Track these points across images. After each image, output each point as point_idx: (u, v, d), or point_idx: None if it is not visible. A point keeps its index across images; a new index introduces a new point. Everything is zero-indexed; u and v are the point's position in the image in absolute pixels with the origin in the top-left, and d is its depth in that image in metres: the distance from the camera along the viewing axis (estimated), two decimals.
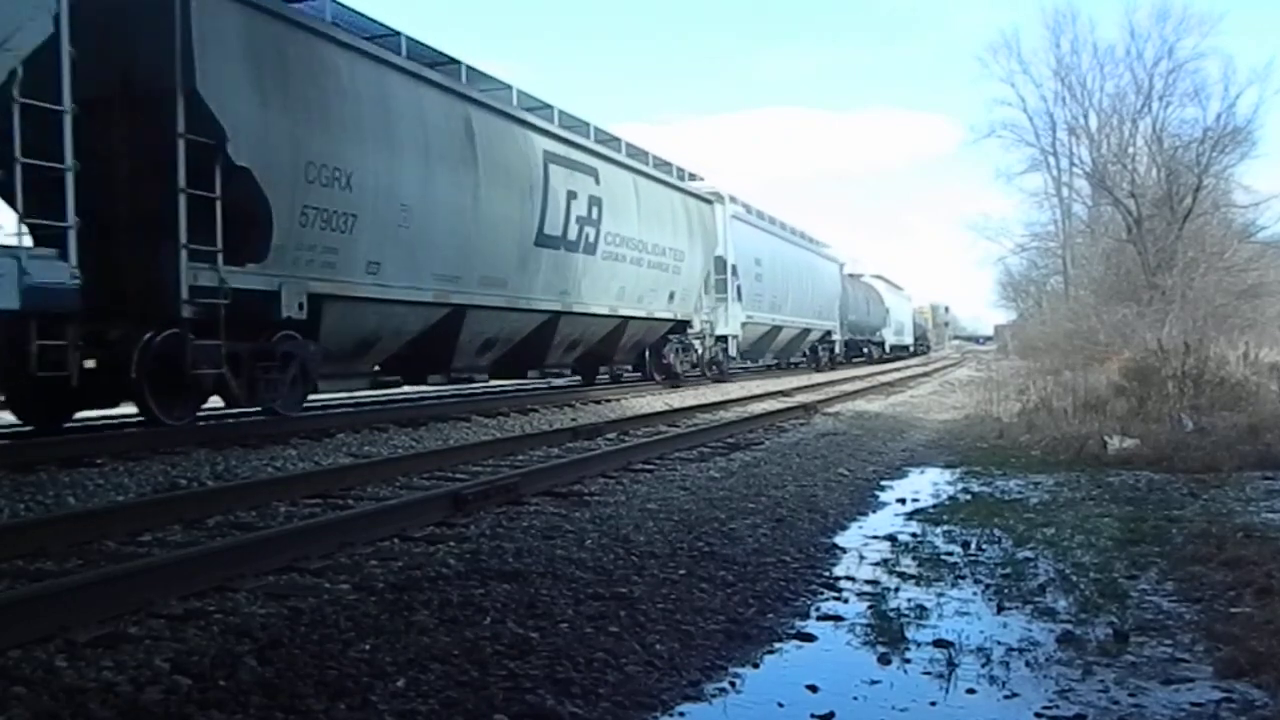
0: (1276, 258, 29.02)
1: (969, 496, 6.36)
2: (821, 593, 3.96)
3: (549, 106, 13.50)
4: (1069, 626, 3.42)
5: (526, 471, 6.41)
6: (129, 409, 10.10)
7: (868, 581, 4.13)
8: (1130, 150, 31.75)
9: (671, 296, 16.92)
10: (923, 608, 3.71)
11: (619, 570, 4.10)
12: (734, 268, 21.41)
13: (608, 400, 13.88)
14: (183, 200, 7.59)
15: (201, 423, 9.40)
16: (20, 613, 3.06)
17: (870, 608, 3.73)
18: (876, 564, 4.47)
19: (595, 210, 13.85)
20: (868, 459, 8.33)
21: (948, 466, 7.93)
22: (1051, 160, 37.78)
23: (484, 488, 5.61)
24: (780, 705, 2.79)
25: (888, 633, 3.41)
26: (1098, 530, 5.05)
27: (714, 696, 2.85)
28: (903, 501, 6.24)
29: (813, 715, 2.69)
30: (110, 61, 7.53)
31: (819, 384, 20.17)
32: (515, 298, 11.99)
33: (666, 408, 12.96)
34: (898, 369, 31.76)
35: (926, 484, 7.08)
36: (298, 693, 2.66)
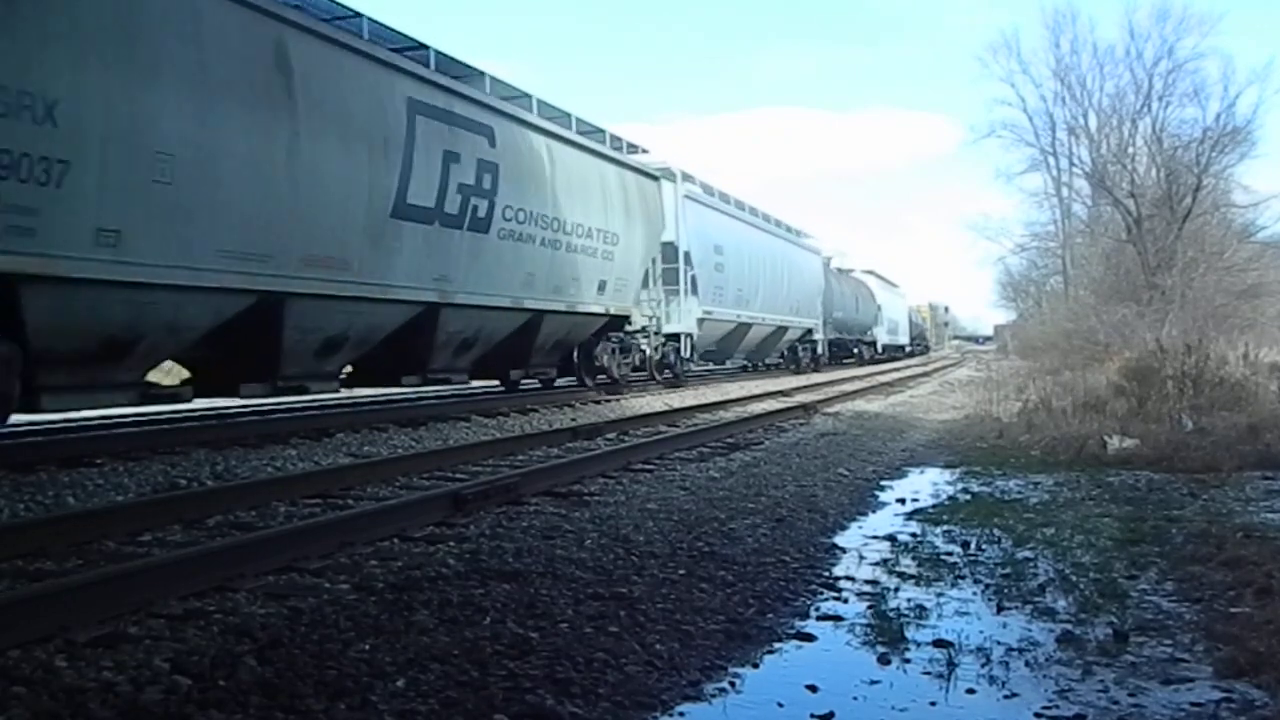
0: (1276, 258, 29.04)
1: (969, 496, 6.36)
2: (821, 593, 3.96)
3: (423, 47, 10.58)
4: (1069, 626, 3.42)
5: (526, 471, 6.41)
6: (128, 409, 10.12)
7: (867, 581, 4.13)
8: (1130, 150, 31.78)
9: (602, 287, 14.05)
10: (922, 608, 3.71)
11: (619, 570, 4.10)
12: (687, 255, 18.61)
13: (607, 400, 13.88)
14: None
15: (201, 422, 9.42)
16: (20, 613, 3.06)
17: (870, 608, 3.73)
18: (876, 564, 4.47)
19: (489, 178, 10.95)
20: (867, 459, 8.33)
21: (947, 466, 7.93)
22: (1051, 160, 37.81)
23: (484, 488, 5.61)
24: (780, 705, 2.79)
25: (887, 633, 3.41)
26: (1097, 530, 5.05)
27: (714, 696, 2.85)
28: (902, 501, 6.24)
29: (812, 715, 2.69)
30: None
31: (818, 384, 20.16)
32: (365, 284, 9.14)
33: (666, 408, 12.96)
34: (897, 369, 31.74)
35: (926, 484, 7.08)
36: (297, 693, 2.66)
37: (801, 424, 11.39)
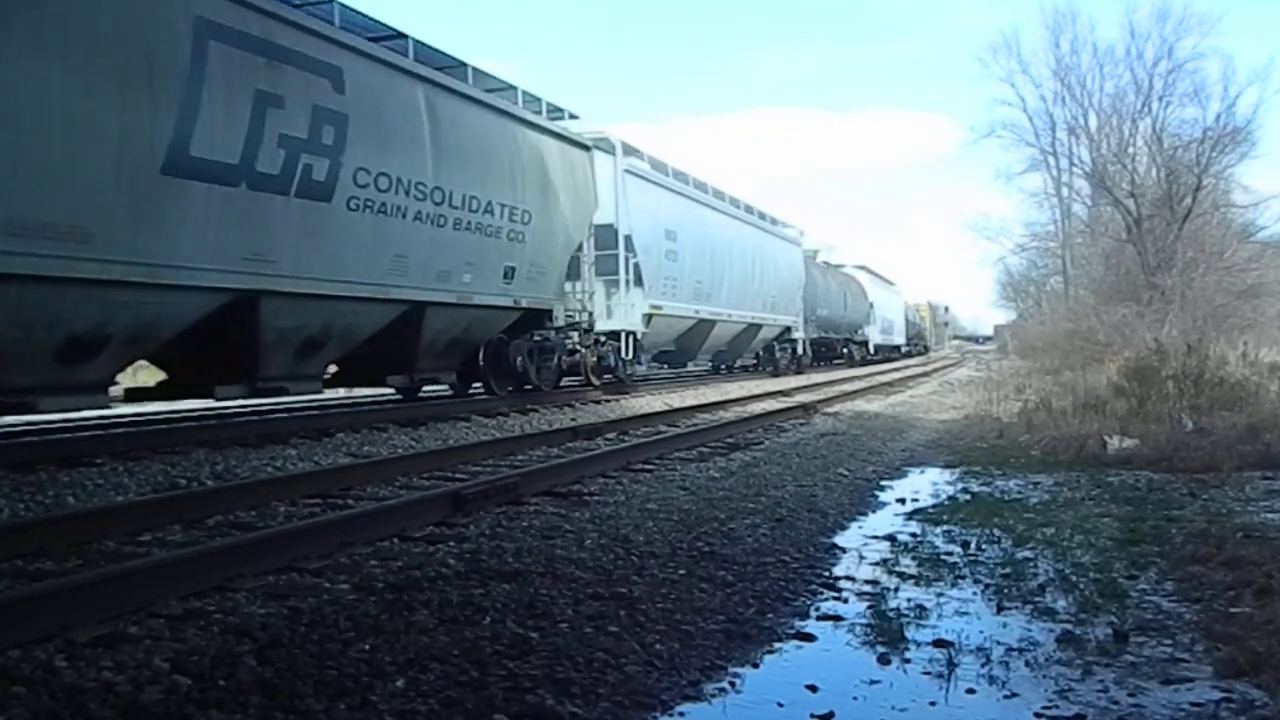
0: (1276, 258, 29.01)
1: (969, 496, 6.36)
2: (821, 593, 3.96)
3: None
4: (1068, 626, 3.42)
5: (526, 471, 6.41)
6: (128, 409, 10.14)
7: (867, 581, 4.13)
8: (1130, 150, 31.75)
9: (510, 275, 11.63)
10: (922, 608, 3.71)
11: (619, 570, 4.10)
12: (629, 240, 15.71)
13: (607, 400, 13.88)
14: None
15: (201, 422, 9.42)
16: (20, 613, 3.06)
17: (870, 608, 3.73)
18: (876, 564, 4.47)
19: (332, 132, 8.63)
20: (867, 459, 8.33)
21: (947, 466, 7.93)
22: (1051, 160, 37.77)
23: (484, 488, 5.61)
24: (780, 705, 2.79)
25: (887, 633, 3.41)
26: (1097, 530, 5.05)
27: (714, 696, 2.85)
28: (902, 501, 6.24)
29: (812, 715, 2.69)
30: None
31: (818, 384, 20.16)
32: (124, 264, 6.89)
33: (666, 408, 12.96)
34: (896, 369, 31.73)
35: (926, 484, 7.08)
36: (297, 692, 2.66)
37: (801, 424, 11.39)
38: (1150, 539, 4.81)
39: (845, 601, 3.84)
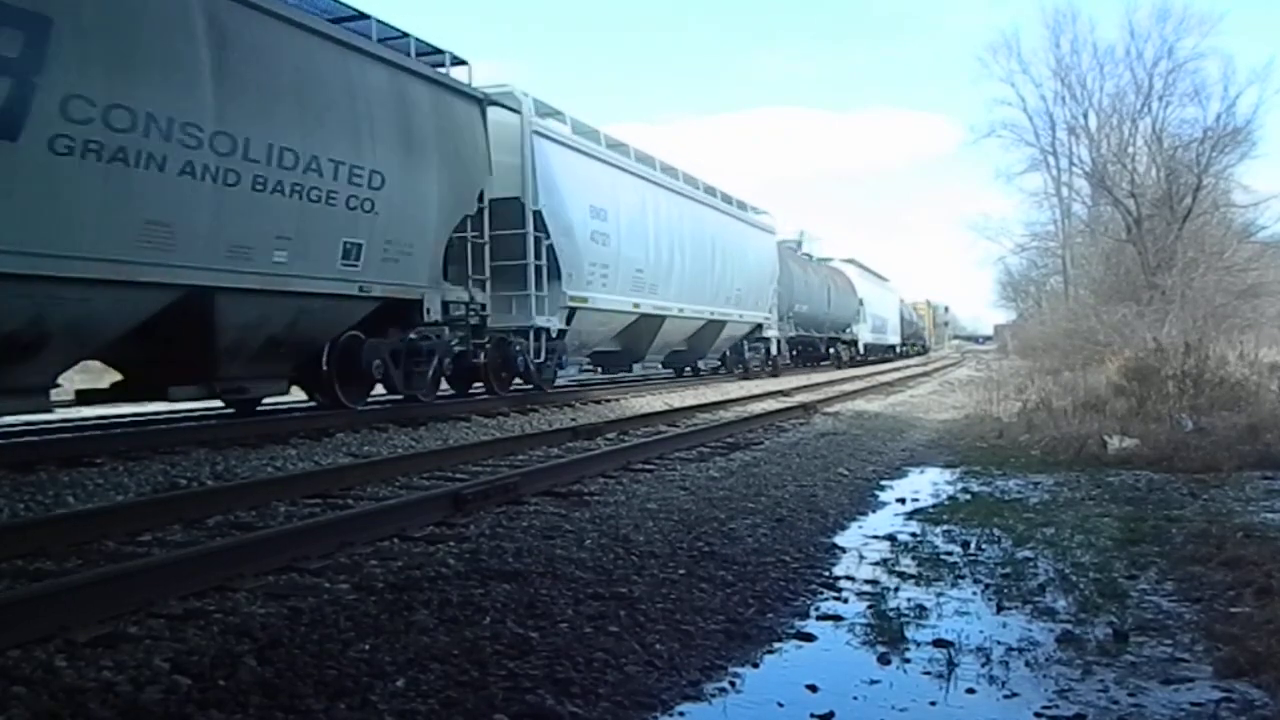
0: (1276, 257, 29.02)
1: (969, 496, 6.36)
2: (821, 592, 3.96)
3: None
4: (1068, 626, 3.43)
5: (526, 471, 6.41)
6: (129, 408, 10.14)
7: (867, 581, 4.13)
8: (1130, 150, 31.75)
9: (353, 254, 9.01)
10: (922, 607, 3.71)
11: (619, 570, 4.10)
12: (539, 217, 12.60)
13: (608, 400, 13.87)
14: None
15: (201, 422, 9.41)
16: (20, 613, 3.06)
17: (870, 607, 3.73)
18: (876, 564, 4.47)
19: (19, 41, 6.03)
20: (867, 459, 8.33)
21: (947, 466, 7.93)
22: (1051, 160, 37.75)
23: (484, 487, 5.61)
24: (780, 705, 2.79)
25: (887, 632, 3.41)
26: (1097, 530, 5.05)
27: (714, 696, 2.85)
28: (902, 501, 6.24)
29: (812, 715, 2.70)
30: None
31: (818, 384, 20.16)
32: None
33: (666, 407, 12.96)
34: (896, 369, 31.72)
35: (926, 484, 7.08)
36: (297, 692, 2.66)
37: (801, 424, 11.39)
38: (1150, 539, 4.82)
39: (845, 601, 3.84)
